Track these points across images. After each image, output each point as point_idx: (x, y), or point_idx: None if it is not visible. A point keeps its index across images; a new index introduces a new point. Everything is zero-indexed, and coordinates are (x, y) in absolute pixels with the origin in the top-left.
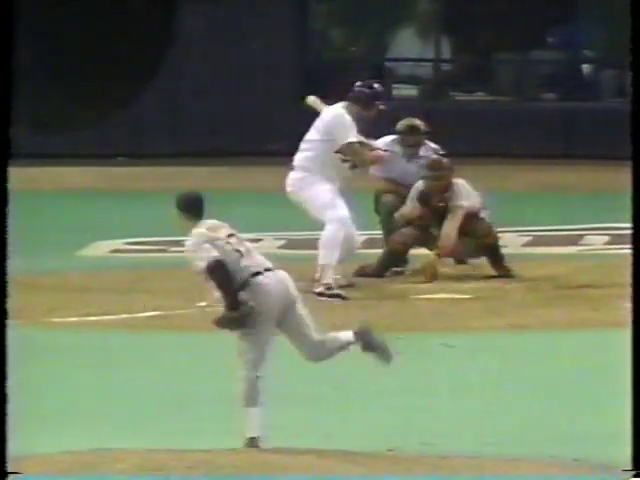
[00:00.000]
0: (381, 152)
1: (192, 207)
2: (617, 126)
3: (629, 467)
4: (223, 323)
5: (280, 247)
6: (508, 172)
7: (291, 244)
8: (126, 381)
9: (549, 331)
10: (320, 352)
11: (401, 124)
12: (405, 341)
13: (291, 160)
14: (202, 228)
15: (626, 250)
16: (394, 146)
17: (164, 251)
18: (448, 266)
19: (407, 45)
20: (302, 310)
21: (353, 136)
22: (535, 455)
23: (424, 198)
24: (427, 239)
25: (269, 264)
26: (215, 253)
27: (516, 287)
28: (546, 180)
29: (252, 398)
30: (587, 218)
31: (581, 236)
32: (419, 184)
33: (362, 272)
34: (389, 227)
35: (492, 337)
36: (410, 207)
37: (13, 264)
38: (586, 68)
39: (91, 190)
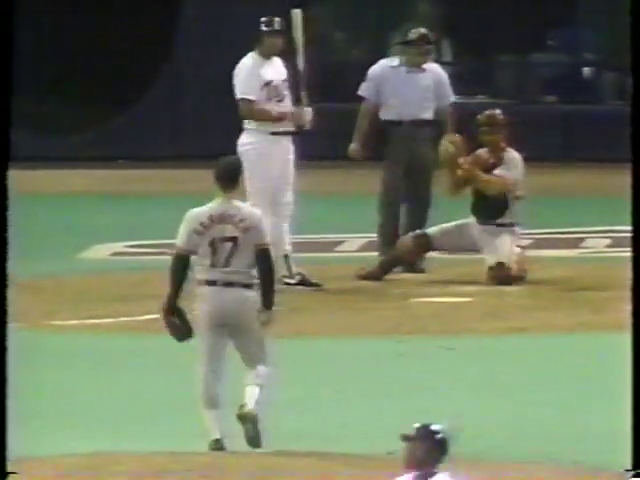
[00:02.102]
0: (284, 110)
1: (218, 176)
2: (618, 128)
3: (629, 468)
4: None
5: None
6: None
7: (292, 247)
8: (126, 384)
9: (550, 334)
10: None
11: (413, 32)
12: (405, 344)
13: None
14: (209, 208)
15: (627, 253)
16: (392, 61)
17: (165, 254)
18: (447, 269)
19: None
20: (248, 335)
21: (253, 87)
22: (536, 457)
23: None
24: (432, 246)
25: (218, 278)
26: (186, 245)
27: (517, 290)
28: (547, 183)
29: (209, 400)
30: (588, 221)
31: (582, 239)
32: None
33: (362, 275)
34: (385, 233)
35: (493, 340)
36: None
37: (14, 267)
38: (587, 71)
39: (92, 193)
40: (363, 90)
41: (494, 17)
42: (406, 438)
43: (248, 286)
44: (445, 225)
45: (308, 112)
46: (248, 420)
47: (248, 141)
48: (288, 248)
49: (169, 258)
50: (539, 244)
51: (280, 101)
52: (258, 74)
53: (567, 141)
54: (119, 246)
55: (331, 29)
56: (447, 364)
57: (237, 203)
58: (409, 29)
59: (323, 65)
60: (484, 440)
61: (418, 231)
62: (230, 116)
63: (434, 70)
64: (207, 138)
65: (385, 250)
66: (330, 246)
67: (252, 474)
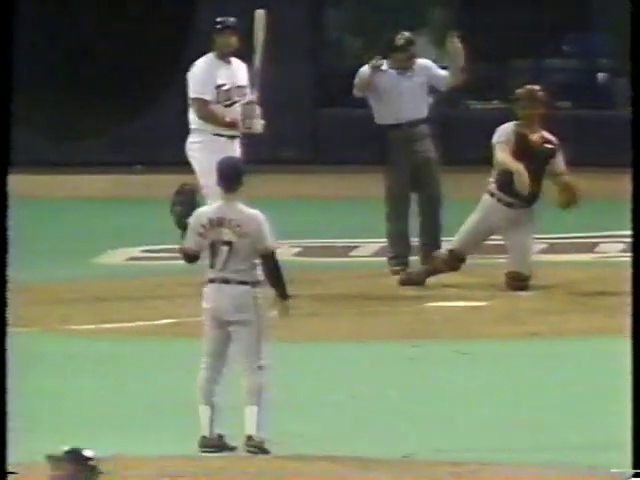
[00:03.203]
0: (236, 119)
1: (219, 177)
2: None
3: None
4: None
5: (295, 255)
6: None
7: (307, 252)
8: (141, 388)
9: (564, 338)
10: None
11: (398, 38)
12: (419, 348)
13: (307, 167)
14: (210, 210)
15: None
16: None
17: (180, 258)
18: (463, 274)
19: (422, 53)
20: (247, 330)
21: (207, 87)
22: (550, 462)
23: (519, 135)
24: (465, 255)
25: (216, 276)
26: (193, 245)
27: (531, 294)
28: None
29: (205, 396)
30: (602, 225)
31: (596, 243)
32: (508, 126)
33: (407, 280)
34: (394, 238)
35: (507, 344)
36: (499, 152)
37: (30, 272)
38: (600, 76)
39: (108, 198)
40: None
41: (509, 23)
42: (52, 458)
43: (244, 283)
44: (464, 229)
45: (258, 122)
46: (258, 450)
47: (193, 140)
48: None
49: (184, 263)
50: (553, 249)
51: (228, 106)
52: (211, 75)
53: (581, 146)
54: (135, 251)
55: (346, 34)
56: (461, 368)
57: (239, 207)
58: (395, 35)
59: (339, 70)
60: (497, 445)
61: (443, 251)
62: None
63: (422, 65)
64: None
65: (394, 257)
66: (344, 251)
67: (267, 477)
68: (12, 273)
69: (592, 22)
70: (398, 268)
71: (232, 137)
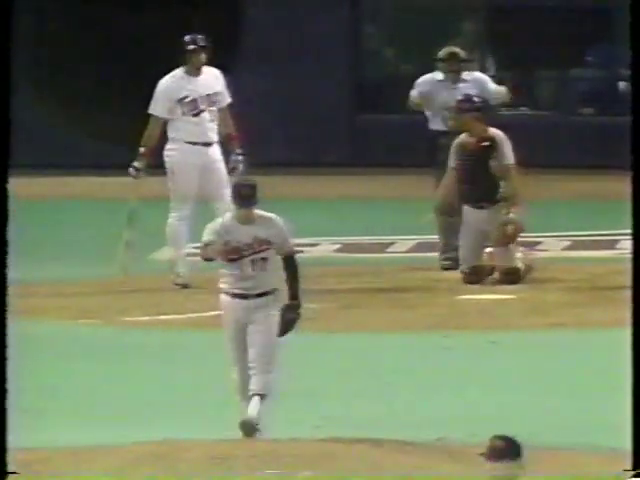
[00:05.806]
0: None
1: (233, 196)
2: None
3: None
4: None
5: (335, 251)
6: (549, 181)
7: (346, 248)
8: (193, 376)
9: (587, 329)
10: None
11: (443, 51)
12: (452, 338)
13: (347, 169)
14: (224, 223)
15: None
16: (436, 75)
17: None
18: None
19: None
20: (258, 331)
21: (158, 104)
22: (578, 446)
23: (458, 144)
24: (484, 262)
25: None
26: (210, 242)
27: (556, 288)
28: (584, 188)
29: (241, 393)
30: (623, 223)
31: (617, 240)
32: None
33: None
34: (442, 237)
35: (534, 335)
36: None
37: (91, 268)
38: (622, 85)
39: (162, 197)
40: (414, 97)
41: (535, 35)
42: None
43: None
44: (466, 245)
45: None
46: (247, 428)
47: (169, 147)
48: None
49: None
50: (577, 245)
51: (196, 115)
52: (170, 92)
53: (603, 150)
54: (187, 247)
55: (382, 45)
56: (491, 357)
57: None
58: (443, 47)
59: (375, 79)
60: (527, 429)
61: (464, 269)
62: (289, 126)
63: (476, 78)
64: (270, 147)
65: (445, 245)
66: (381, 247)
67: (310, 459)
68: (75, 269)
69: (614, 34)
70: (447, 263)
71: (207, 144)
